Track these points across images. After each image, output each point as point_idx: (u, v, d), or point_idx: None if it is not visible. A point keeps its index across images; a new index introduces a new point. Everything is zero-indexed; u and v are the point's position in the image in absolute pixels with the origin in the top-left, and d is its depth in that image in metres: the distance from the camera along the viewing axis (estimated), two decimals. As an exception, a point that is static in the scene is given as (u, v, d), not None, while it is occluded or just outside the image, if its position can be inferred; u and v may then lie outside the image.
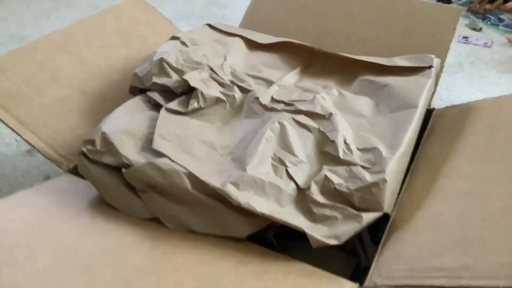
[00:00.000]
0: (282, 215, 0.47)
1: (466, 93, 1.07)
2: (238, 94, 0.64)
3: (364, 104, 0.62)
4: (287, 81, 0.68)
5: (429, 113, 0.68)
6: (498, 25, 1.39)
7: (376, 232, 0.56)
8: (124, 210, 0.51)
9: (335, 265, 0.55)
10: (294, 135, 0.55)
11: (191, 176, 0.48)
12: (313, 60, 0.73)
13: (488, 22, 1.41)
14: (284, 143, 0.54)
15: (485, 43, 1.29)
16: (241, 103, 0.64)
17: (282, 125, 0.55)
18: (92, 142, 0.54)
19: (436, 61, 0.66)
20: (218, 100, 0.62)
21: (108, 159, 0.52)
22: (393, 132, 0.56)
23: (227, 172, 0.50)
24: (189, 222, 0.49)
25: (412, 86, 0.62)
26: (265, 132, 0.54)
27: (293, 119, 0.57)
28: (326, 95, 0.63)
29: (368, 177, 0.50)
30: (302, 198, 0.50)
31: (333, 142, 0.54)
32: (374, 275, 0.44)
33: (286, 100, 0.62)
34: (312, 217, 0.48)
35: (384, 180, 0.49)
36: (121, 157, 0.51)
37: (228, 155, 0.54)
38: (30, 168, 0.88)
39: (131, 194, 0.51)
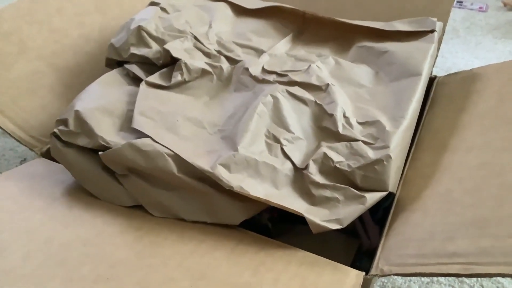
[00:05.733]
0: (278, 199, 0.42)
1: (462, 59, 1.02)
2: (225, 65, 0.58)
3: (362, 73, 0.57)
4: (279, 49, 0.62)
5: (430, 81, 0.64)
6: (492, -12, 1.34)
7: (376, 211, 0.52)
8: (103, 197, 0.46)
9: (336, 249, 0.51)
10: (289, 109, 0.50)
11: (177, 158, 0.43)
12: (306, 26, 0.67)
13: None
14: (278, 118, 0.49)
15: (480, 7, 1.24)
16: (229, 75, 0.57)
17: (275, 98, 0.50)
18: (64, 122, 0.47)
19: (438, 25, 0.61)
20: (204, 72, 0.56)
21: (83, 141, 0.46)
22: (396, 103, 0.51)
23: (217, 152, 0.45)
24: (177, 209, 0.44)
25: (414, 52, 0.57)
26: (256, 106, 0.48)
27: (287, 91, 0.51)
28: (322, 64, 0.57)
29: (371, 154, 0.45)
30: (299, 178, 0.45)
31: (331, 116, 0.49)
32: (381, 262, 0.39)
33: (278, 70, 0.56)
34: (311, 199, 0.43)
35: (389, 157, 0.44)
36: (97, 138, 0.45)
37: (217, 133, 0.49)
38: (4, 150, 0.81)
39: (111, 179, 0.46)
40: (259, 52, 0.61)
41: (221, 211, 0.43)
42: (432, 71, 0.64)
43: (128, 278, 0.37)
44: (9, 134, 0.54)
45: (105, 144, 0.45)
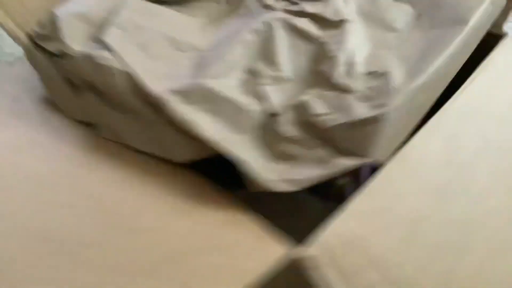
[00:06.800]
0: (228, 144, 0.35)
1: None
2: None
3: (400, 13, 0.44)
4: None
5: (495, 38, 0.50)
6: None
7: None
8: (63, 108, 0.42)
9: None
10: (284, 43, 0.40)
11: (129, 77, 0.37)
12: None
13: None
14: (267, 50, 0.40)
15: None
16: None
17: (269, 27, 0.41)
18: (43, 24, 0.44)
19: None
20: (212, -11, 0.49)
21: (52, 46, 0.41)
22: (423, 54, 0.40)
23: (179, 77, 0.38)
24: (124, 133, 0.39)
25: (470, -5, 0.44)
26: (241, 34, 0.40)
27: (287, 22, 0.41)
28: (351, -5, 0.46)
29: (364, 110, 0.35)
30: (267, 126, 0.37)
31: (331, 58, 0.39)
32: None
33: (294, -3, 0.46)
34: (272, 152, 0.36)
35: (384, 117, 0.34)
36: (63, 45, 0.41)
37: (194, 58, 0.41)
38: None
39: (69, 90, 0.41)
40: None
41: (167, 145, 0.37)
42: (502, 26, 0.49)
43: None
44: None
45: (69, 53, 0.40)
